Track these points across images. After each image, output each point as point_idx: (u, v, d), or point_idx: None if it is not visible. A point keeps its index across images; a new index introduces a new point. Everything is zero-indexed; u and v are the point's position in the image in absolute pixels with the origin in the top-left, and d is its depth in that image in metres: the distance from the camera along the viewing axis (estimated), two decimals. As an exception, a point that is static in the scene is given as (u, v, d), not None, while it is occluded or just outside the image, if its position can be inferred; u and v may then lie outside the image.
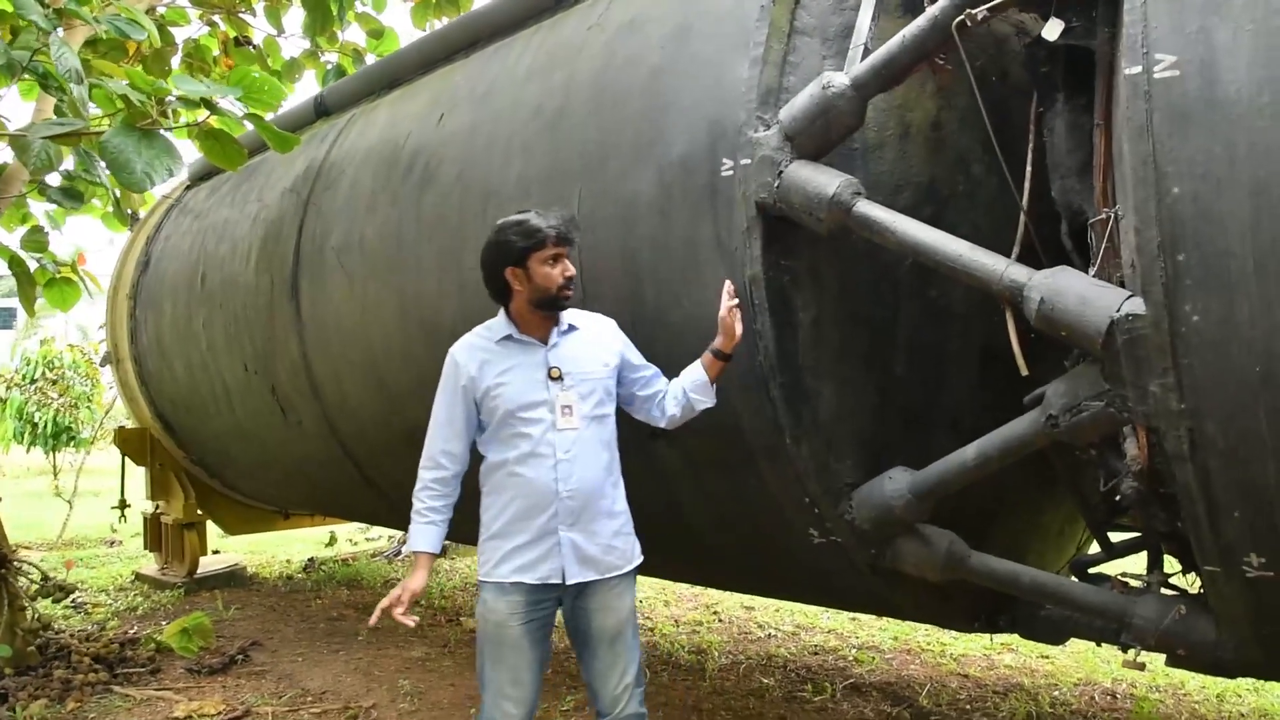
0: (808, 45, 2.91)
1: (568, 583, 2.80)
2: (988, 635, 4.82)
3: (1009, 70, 3.07)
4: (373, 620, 2.90)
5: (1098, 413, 2.28)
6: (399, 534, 8.98)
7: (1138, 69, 2.07)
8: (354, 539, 10.05)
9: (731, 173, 2.86)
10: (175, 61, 8.12)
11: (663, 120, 3.10)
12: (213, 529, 8.18)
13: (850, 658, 5.10)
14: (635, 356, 3.03)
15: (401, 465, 4.86)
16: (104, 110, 6.07)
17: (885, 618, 5.29)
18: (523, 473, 2.79)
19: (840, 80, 2.65)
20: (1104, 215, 2.31)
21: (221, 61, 8.91)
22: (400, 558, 8.89)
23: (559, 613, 2.92)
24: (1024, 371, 2.44)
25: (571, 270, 2.84)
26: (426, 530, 2.93)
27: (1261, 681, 4.33)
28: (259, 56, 8.80)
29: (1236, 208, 1.97)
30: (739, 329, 2.77)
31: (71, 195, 6.20)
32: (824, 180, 2.67)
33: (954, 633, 5.31)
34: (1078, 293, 2.22)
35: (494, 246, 2.87)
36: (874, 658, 5.08)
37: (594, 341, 2.94)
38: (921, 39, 2.55)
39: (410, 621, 2.84)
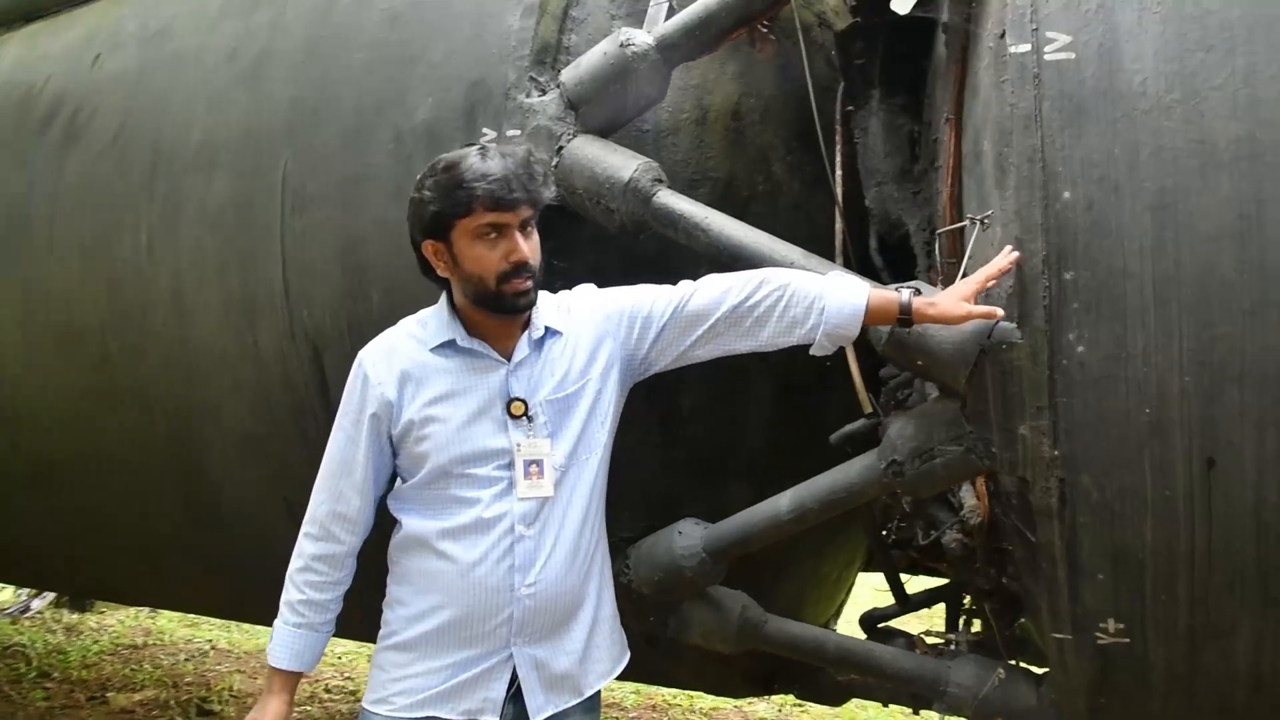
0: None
1: (534, 719, 1.86)
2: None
3: (812, 63, 2.70)
4: None
5: (954, 459, 1.91)
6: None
7: (1026, 47, 1.71)
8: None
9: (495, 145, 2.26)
10: None
11: (403, 76, 2.44)
12: None
13: (588, 718, 4.60)
14: (652, 302, 1.93)
15: (24, 516, 3.78)
16: None
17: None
18: (458, 556, 1.81)
19: (643, 39, 2.13)
20: (962, 224, 1.95)
21: None
22: (29, 615, 7.27)
23: None
24: (867, 409, 2.03)
25: (522, 252, 1.78)
26: (294, 637, 1.90)
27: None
28: None
29: (1136, 221, 1.66)
30: (963, 311, 1.76)
31: None
32: (617, 162, 2.14)
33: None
34: (939, 315, 1.83)
35: (410, 206, 1.87)
36: (619, 718, 4.61)
37: (582, 338, 1.93)
38: (746, -2, 2.09)
39: None
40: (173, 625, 6.70)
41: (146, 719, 4.77)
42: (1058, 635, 1.98)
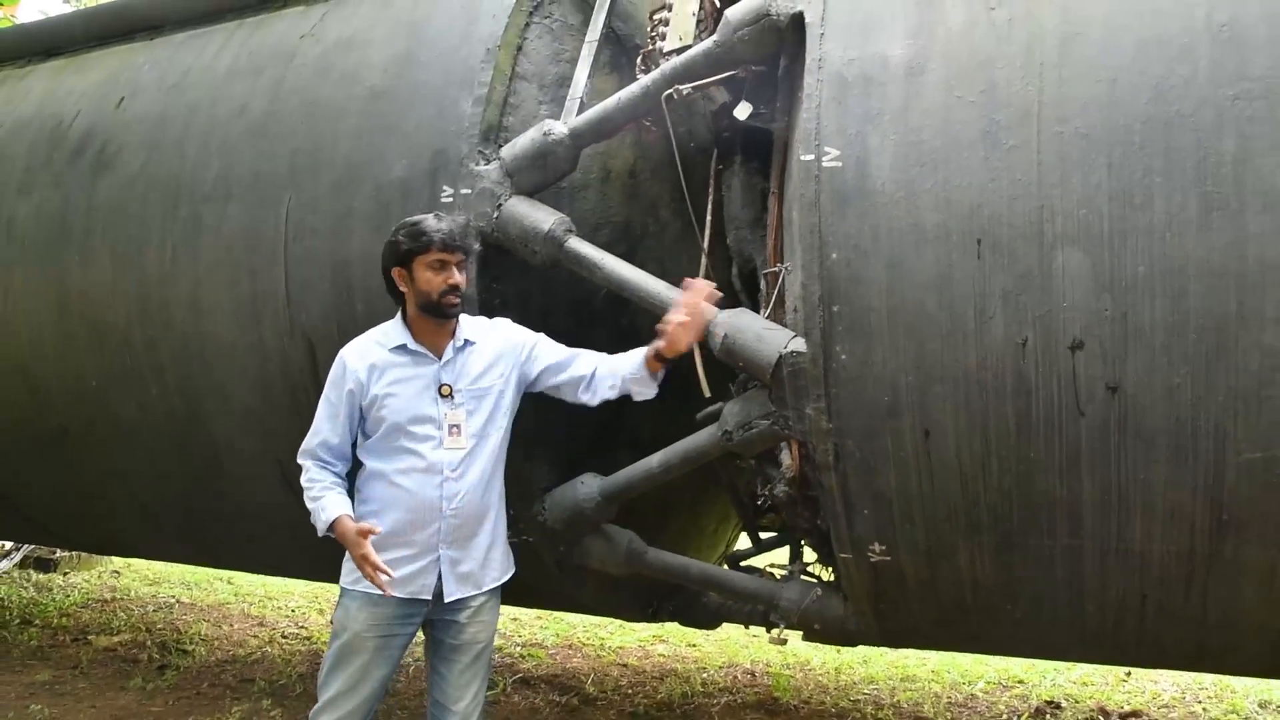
0: (526, 90, 3.18)
1: (446, 599, 2.80)
2: (642, 628, 5.35)
3: (694, 129, 3.54)
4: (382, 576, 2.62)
5: (765, 430, 2.77)
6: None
7: (811, 156, 2.57)
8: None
9: (451, 199, 3.06)
10: None
11: (382, 141, 3.23)
12: None
13: (517, 655, 5.40)
14: (548, 350, 2.93)
15: (45, 475, 4.46)
16: None
17: (553, 613, 5.63)
18: (407, 486, 2.76)
19: (560, 129, 2.95)
20: (776, 269, 2.81)
21: None
22: (-2, 573, 7.83)
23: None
24: (707, 393, 2.88)
25: (457, 279, 2.75)
26: (339, 496, 2.76)
27: (870, 655, 5.22)
28: None
29: (876, 274, 2.52)
30: (684, 343, 2.76)
31: None
32: (540, 216, 2.96)
33: (611, 628, 5.79)
34: (755, 331, 2.69)
35: (386, 246, 2.81)
36: (540, 653, 5.41)
37: (489, 352, 2.87)
38: (634, 103, 2.93)
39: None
40: (136, 584, 7.31)
41: (127, 656, 5.43)
42: (843, 555, 2.84)
